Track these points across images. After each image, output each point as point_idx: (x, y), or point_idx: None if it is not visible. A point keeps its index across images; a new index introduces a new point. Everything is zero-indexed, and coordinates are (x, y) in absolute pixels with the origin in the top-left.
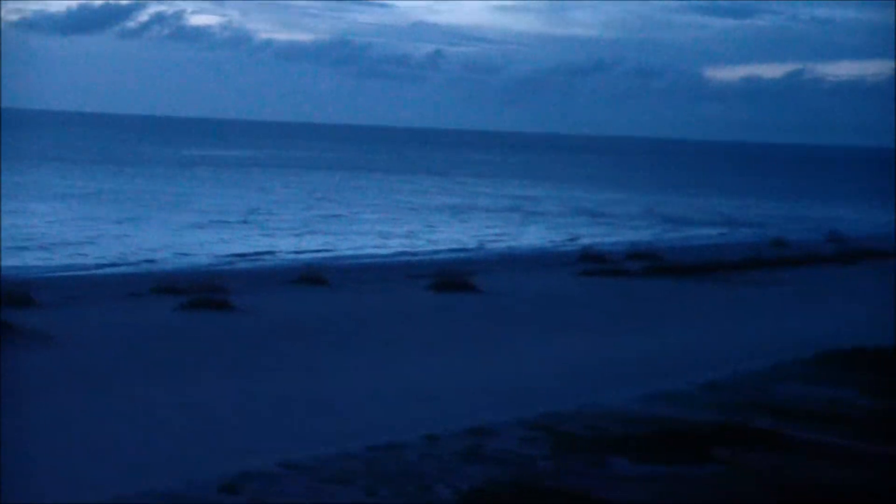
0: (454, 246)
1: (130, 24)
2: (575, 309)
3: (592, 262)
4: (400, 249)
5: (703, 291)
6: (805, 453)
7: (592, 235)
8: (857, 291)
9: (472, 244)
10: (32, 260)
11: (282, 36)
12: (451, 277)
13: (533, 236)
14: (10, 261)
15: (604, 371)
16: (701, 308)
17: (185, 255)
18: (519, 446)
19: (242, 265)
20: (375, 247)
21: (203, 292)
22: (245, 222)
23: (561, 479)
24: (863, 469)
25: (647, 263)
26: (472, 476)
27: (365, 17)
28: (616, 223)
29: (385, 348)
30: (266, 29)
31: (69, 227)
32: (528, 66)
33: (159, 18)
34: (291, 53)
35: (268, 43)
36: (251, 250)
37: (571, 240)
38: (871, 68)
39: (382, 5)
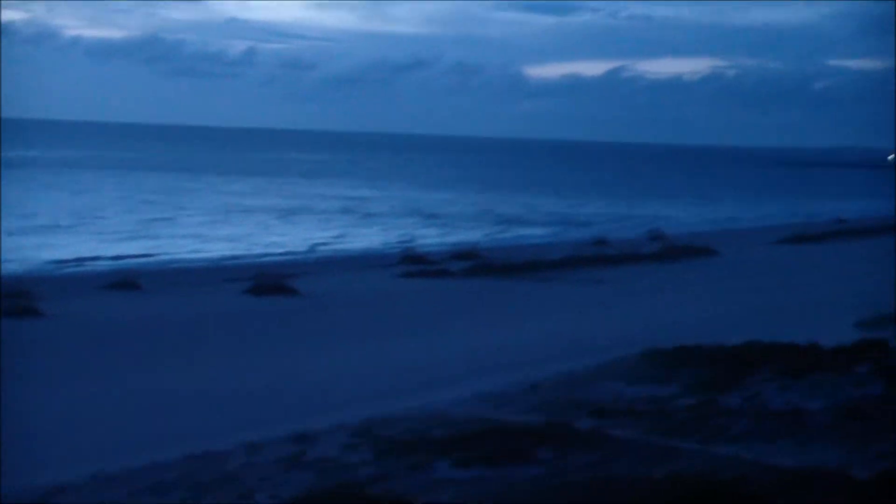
0: (284, 249)
1: None
2: (396, 310)
3: (415, 264)
4: (227, 253)
5: (524, 291)
6: (626, 452)
7: (426, 237)
8: (678, 289)
9: (302, 247)
10: None
11: (91, 33)
12: (270, 280)
13: (365, 238)
14: None
15: (426, 373)
16: (523, 307)
17: (7, 261)
18: (342, 452)
19: (68, 270)
20: (198, 251)
21: (11, 298)
22: (70, 227)
23: (385, 484)
24: (682, 465)
25: (470, 263)
26: (293, 484)
27: (177, 13)
28: (450, 224)
29: (194, 352)
30: (74, 25)
31: None
32: (346, 63)
33: None
34: (101, 51)
35: (76, 40)
36: (73, 256)
37: (404, 242)
38: (689, 66)
39: (195, 2)
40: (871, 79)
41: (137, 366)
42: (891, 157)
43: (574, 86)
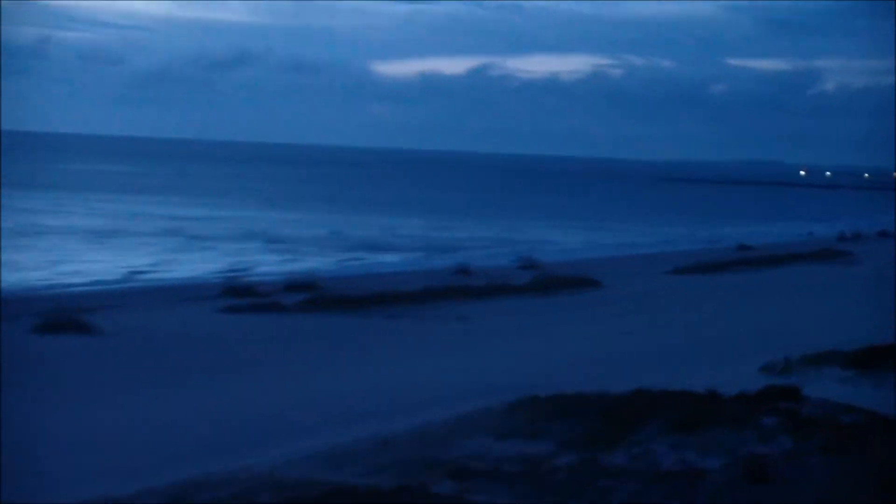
0: (92, 278)
1: None
2: (212, 352)
3: (241, 296)
4: (19, 283)
5: (373, 329)
6: None
7: (265, 264)
8: (555, 328)
9: (114, 276)
10: None
11: None
12: (63, 316)
13: (191, 265)
14: None
15: (251, 427)
16: (370, 348)
17: None
18: None
19: None
20: None
21: None
22: None
23: None
24: None
25: (307, 296)
26: None
27: None
28: (294, 249)
29: None
30: None
31: None
32: (157, 56)
33: None
34: None
35: None
36: None
37: (237, 270)
38: (567, 65)
39: None
40: (777, 82)
41: None
42: (802, 172)
43: (432, 86)
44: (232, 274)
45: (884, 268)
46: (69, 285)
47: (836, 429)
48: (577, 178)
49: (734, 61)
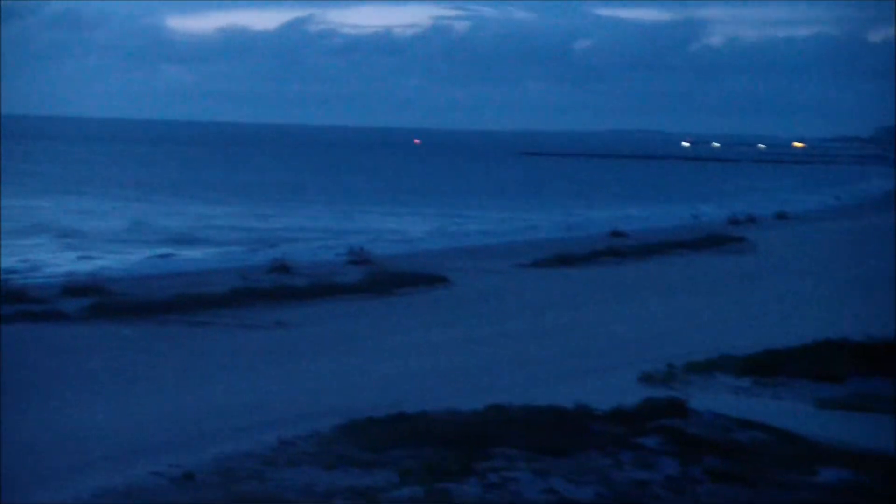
0: None
1: None
2: None
3: (10, 303)
4: None
5: (171, 339)
6: None
7: (53, 264)
8: (393, 335)
9: None
10: None
11: None
12: None
13: None
14: None
15: (34, 461)
16: (168, 363)
17: None
18: None
19: None
20: None
21: None
22: None
23: None
24: None
25: (93, 301)
26: None
27: None
28: (91, 245)
29: None
30: None
31: None
32: None
33: None
34: None
35: None
36: None
37: (13, 272)
38: (401, 17)
39: None
40: (654, 36)
41: None
42: (686, 143)
43: (237, 44)
44: (6, 276)
45: (783, 256)
46: None
47: (729, 449)
48: (417, 153)
49: (603, 11)
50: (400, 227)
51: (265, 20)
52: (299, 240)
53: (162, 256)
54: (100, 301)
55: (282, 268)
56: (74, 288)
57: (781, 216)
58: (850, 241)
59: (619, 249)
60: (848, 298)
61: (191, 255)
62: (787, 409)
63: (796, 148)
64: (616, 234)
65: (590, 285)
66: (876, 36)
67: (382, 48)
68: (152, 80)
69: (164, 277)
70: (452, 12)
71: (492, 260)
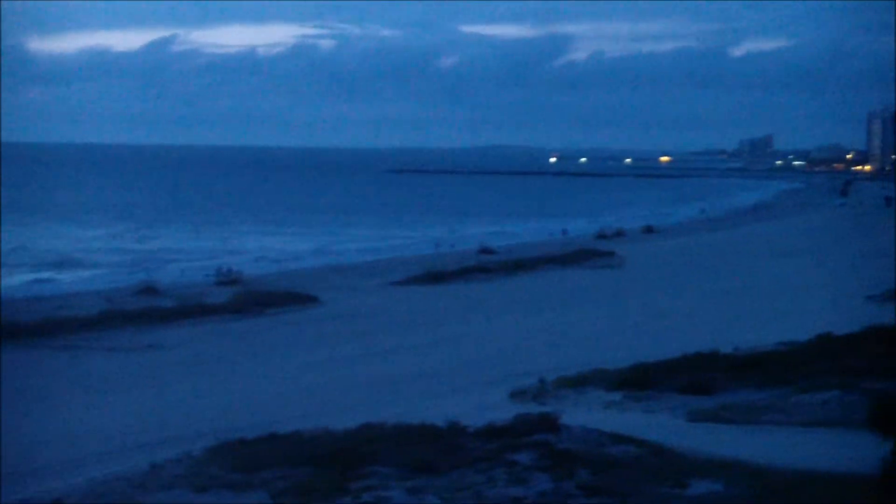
0: None
1: None
2: None
3: None
4: None
5: (36, 363)
6: None
7: None
8: (261, 355)
9: None
10: None
11: None
12: None
13: None
14: None
15: None
16: (35, 388)
17: None
18: None
19: None
20: None
21: None
22: None
23: None
24: None
25: None
26: None
27: None
28: None
29: None
30: None
31: None
32: None
33: None
34: None
35: None
36: None
37: None
38: (266, 36)
39: None
40: (519, 51)
41: None
42: (553, 158)
43: (99, 65)
44: None
45: (651, 270)
46: None
47: (601, 463)
48: (285, 171)
49: (468, 28)
50: (272, 246)
51: (128, 41)
52: (175, 261)
53: (39, 281)
54: None
55: (149, 290)
56: None
57: (649, 230)
58: (715, 254)
59: (489, 265)
60: (715, 310)
61: (69, 277)
62: (659, 423)
63: (662, 162)
64: (485, 250)
65: (460, 302)
66: (737, 50)
67: (247, 68)
68: (12, 102)
69: (33, 301)
70: (317, 31)
71: (363, 278)
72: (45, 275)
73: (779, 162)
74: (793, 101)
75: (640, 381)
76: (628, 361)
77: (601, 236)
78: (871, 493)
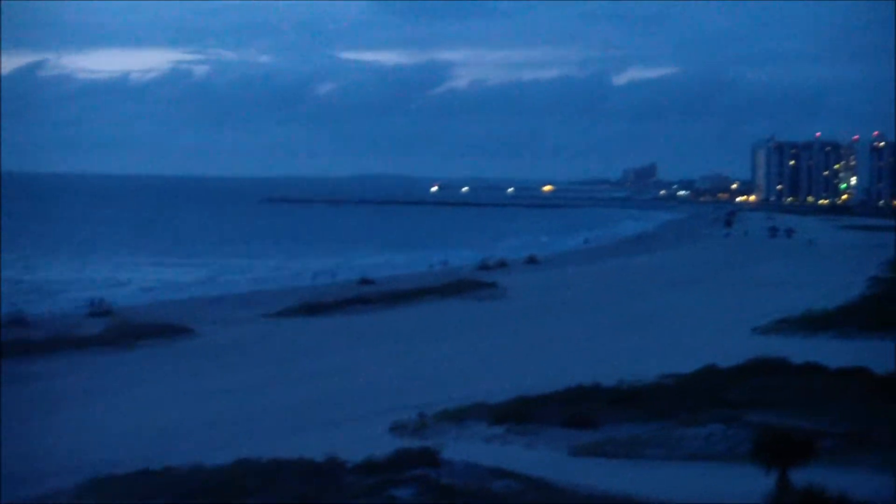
0: None
1: None
2: None
3: None
4: None
5: None
6: None
7: None
8: (136, 389)
9: None
10: None
11: None
12: None
13: None
14: None
15: None
16: None
17: None
18: None
19: None
20: None
21: None
22: None
23: None
24: None
25: None
26: None
27: None
28: None
29: None
30: None
31: None
32: None
33: None
34: None
35: None
36: None
37: None
38: (138, 61)
39: None
40: (398, 78)
41: None
42: (434, 188)
43: None
44: None
45: (534, 301)
46: None
47: (482, 499)
48: (158, 200)
49: (346, 55)
50: (157, 277)
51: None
52: (62, 292)
53: None
54: None
55: (17, 321)
56: None
57: (532, 260)
58: (599, 285)
59: (368, 297)
60: (599, 342)
61: None
62: (541, 457)
63: (546, 191)
64: (365, 281)
65: (339, 334)
66: (620, 78)
67: (120, 93)
68: None
69: None
70: (192, 56)
71: (239, 309)
72: None
73: (663, 192)
74: (676, 130)
75: (522, 414)
76: (510, 394)
77: (483, 267)
78: None
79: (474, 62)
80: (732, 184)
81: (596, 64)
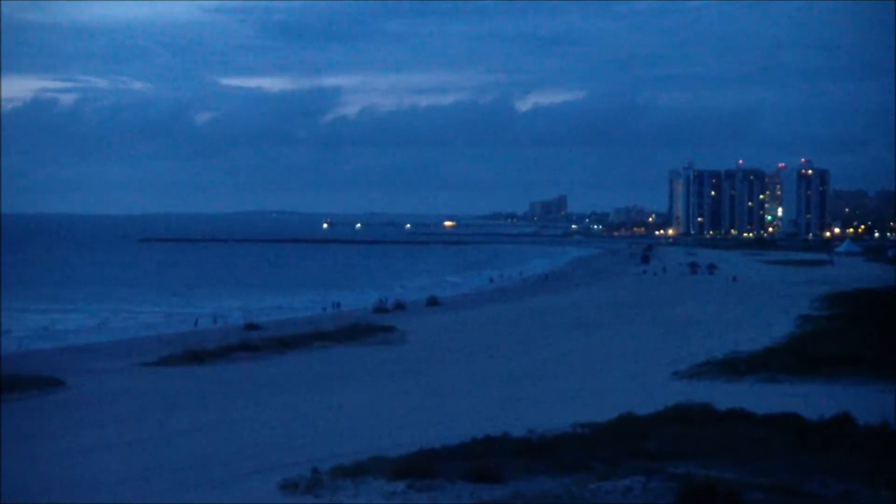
0: None
1: None
2: None
3: None
4: None
5: None
6: None
7: None
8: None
9: None
10: None
11: None
12: None
13: None
14: None
15: None
16: None
17: None
18: None
19: None
20: None
21: None
22: None
23: None
24: None
25: None
26: None
27: None
28: None
29: None
30: None
31: None
32: None
33: None
34: None
35: None
36: None
37: None
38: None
39: None
40: (283, 106)
41: None
42: (326, 224)
43: None
44: None
45: (435, 346)
46: None
47: None
48: (24, 241)
49: (227, 80)
50: (24, 324)
51: None
52: None
53: None
54: None
55: None
56: None
57: (433, 302)
58: (505, 328)
59: (255, 343)
60: (507, 390)
61: None
62: None
63: (447, 227)
64: (251, 326)
65: (223, 383)
66: (524, 104)
67: None
68: None
69: None
70: (59, 84)
71: (113, 359)
72: None
73: (574, 226)
74: (587, 160)
75: (424, 468)
76: (411, 447)
77: (380, 310)
78: None
79: (364, 88)
80: (649, 216)
81: (497, 88)
